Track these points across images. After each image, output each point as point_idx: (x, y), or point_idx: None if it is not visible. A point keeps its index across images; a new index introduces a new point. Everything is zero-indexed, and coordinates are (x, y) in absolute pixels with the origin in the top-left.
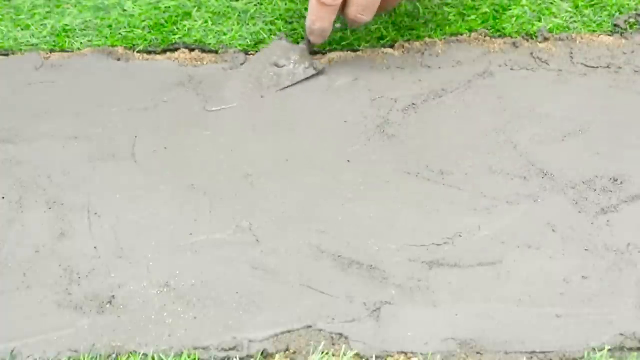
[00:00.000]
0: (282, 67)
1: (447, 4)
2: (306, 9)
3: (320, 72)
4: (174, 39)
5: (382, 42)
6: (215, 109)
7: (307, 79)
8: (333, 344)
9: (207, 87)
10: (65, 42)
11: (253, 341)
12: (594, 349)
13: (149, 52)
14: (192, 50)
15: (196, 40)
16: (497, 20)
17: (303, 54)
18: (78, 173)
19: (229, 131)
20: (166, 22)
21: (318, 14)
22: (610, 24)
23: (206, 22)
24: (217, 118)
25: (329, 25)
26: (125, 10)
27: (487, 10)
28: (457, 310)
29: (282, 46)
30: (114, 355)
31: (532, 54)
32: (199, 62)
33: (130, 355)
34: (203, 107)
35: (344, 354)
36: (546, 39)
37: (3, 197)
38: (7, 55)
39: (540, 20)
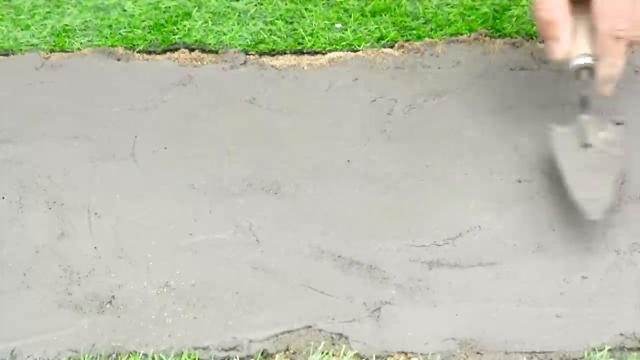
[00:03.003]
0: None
1: (447, 4)
2: (307, 9)
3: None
4: (174, 39)
5: (382, 42)
6: None
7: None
8: (333, 344)
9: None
10: (65, 42)
11: (253, 341)
12: (594, 349)
13: (149, 52)
14: (192, 50)
15: (196, 40)
16: (497, 20)
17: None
18: (78, 173)
19: (229, 131)
20: (166, 22)
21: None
22: None
23: (206, 22)
24: (216, 117)
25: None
26: (125, 10)
27: (487, 10)
28: (457, 310)
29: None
30: (114, 355)
31: (532, 54)
32: (199, 62)
33: (130, 355)
34: None
35: (344, 354)
36: None
37: (3, 197)
38: (7, 55)
39: None
